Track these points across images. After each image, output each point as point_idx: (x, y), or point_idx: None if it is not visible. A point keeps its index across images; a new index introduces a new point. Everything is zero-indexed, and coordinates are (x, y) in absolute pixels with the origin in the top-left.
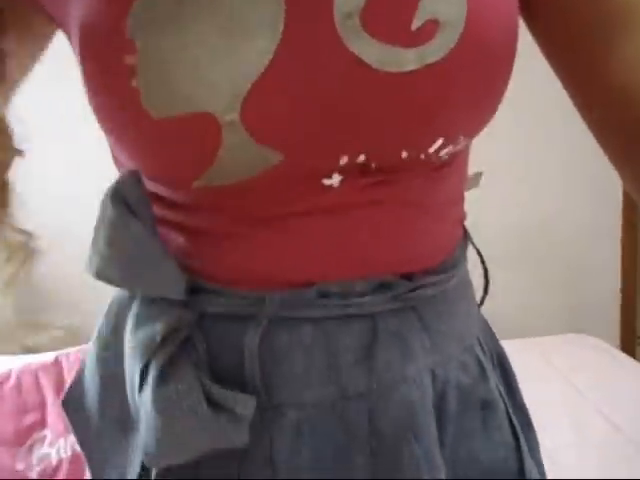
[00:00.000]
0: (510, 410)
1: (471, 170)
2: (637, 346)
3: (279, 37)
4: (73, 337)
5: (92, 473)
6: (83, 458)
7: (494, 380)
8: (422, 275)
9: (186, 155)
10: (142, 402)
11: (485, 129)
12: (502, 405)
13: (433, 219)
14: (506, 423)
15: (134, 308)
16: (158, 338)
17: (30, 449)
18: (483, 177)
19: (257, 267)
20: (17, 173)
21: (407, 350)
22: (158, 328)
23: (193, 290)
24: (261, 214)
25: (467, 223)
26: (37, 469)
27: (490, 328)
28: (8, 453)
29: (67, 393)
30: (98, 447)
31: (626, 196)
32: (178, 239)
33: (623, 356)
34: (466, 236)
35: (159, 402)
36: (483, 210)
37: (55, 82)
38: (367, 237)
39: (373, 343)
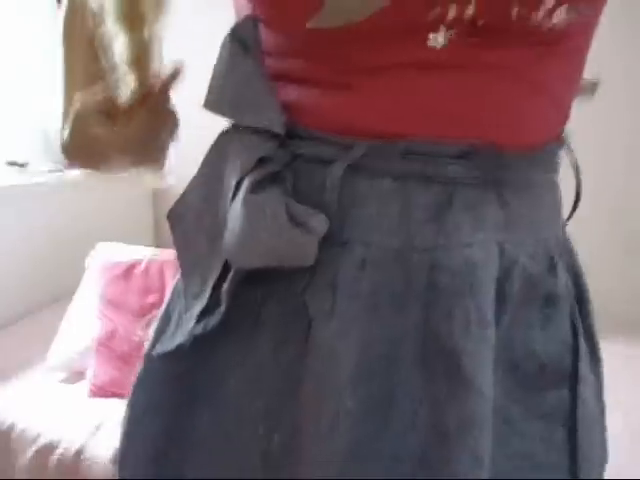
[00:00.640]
0: (576, 315)
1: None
2: None
3: None
4: None
5: (182, 276)
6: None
7: (564, 279)
8: (512, 155)
9: None
10: (233, 208)
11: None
12: (567, 306)
13: (538, 95)
14: (568, 324)
15: (238, 136)
16: (256, 157)
17: (149, 322)
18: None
19: (350, 114)
20: None
21: (479, 220)
22: (256, 152)
23: (289, 135)
24: (363, 63)
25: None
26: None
27: (573, 248)
28: (133, 322)
29: (172, 207)
30: (189, 253)
31: None
32: (282, 88)
33: None
34: (562, 142)
35: (247, 207)
36: None
37: None
38: (463, 98)
39: (447, 207)
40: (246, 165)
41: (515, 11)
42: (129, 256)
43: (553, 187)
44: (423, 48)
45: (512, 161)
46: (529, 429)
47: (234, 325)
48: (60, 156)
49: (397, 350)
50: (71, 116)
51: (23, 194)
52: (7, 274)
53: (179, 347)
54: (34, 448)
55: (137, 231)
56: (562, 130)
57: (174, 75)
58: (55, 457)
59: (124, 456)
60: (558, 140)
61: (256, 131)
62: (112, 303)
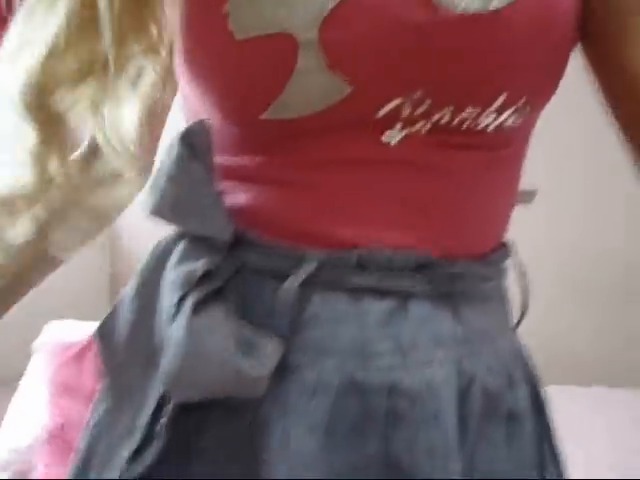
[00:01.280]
0: (538, 429)
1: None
2: None
3: None
4: None
5: (108, 411)
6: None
7: (524, 392)
8: (464, 263)
9: (259, 80)
10: (173, 329)
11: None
12: (530, 422)
13: (484, 202)
14: (532, 439)
15: (180, 246)
16: (199, 273)
17: None
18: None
19: (302, 216)
20: None
21: (437, 336)
22: (200, 265)
23: (236, 241)
24: (316, 158)
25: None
26: None
27: (528, 354)
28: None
29: (101, 325)
30: (119, 379)
31: None
32: (231, 189)
33: None
34: (508, 249)
35: (189, 333)
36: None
37: None
38: (416, 205)
39: (403, 323)
40: (189, 280)
41: (468, 111)
42: (83, 334)
43: (502, 294)
44: (377, 144)
45: (464, 271)
46: None
47: (165, 457)
48: None
49: None
50: None
51: None
52: None
53: None
54: None
55: (91, 305)
56: (504, 237)
57: None
58: None
59: None
60: (504, 247)
61: (201, 239)
62: (64, 387)
